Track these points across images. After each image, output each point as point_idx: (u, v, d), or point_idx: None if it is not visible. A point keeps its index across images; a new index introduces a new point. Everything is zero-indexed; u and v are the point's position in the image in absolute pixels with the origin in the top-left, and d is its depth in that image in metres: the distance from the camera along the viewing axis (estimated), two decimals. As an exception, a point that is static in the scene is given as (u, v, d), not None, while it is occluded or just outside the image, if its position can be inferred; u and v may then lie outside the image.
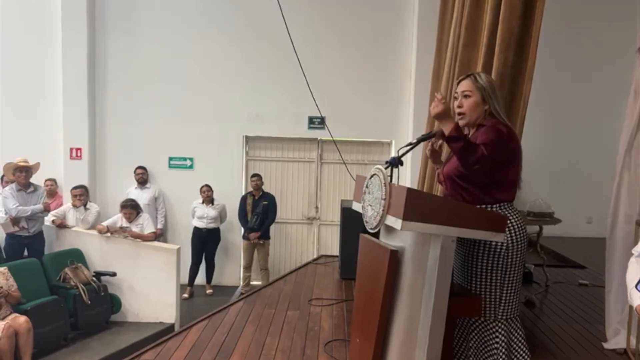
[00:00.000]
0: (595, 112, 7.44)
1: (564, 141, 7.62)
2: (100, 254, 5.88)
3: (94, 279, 5.60)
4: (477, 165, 2.17)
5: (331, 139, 6.23)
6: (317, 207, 7.83)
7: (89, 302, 5.33)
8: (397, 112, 7.45)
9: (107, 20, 7.42)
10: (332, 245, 7.60)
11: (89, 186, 6.82)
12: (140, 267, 5.83)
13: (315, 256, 6.71)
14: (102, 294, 5.55)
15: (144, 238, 5.90)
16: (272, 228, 7.35)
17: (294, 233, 7.88)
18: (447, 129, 2.19)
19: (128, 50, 7.47)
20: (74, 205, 6.18)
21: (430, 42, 4.63)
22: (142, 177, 7.33)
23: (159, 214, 7.40)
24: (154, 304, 5.80)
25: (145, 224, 6.00)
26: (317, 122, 7.44)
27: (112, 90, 7.51)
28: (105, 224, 5.95)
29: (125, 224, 5.97)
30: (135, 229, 5.94)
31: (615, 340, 3.42)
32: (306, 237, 7.91)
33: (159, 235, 7.25)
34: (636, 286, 1.35)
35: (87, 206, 6.24)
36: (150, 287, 5.78)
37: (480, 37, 3.31)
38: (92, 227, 6.09)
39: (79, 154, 7.39)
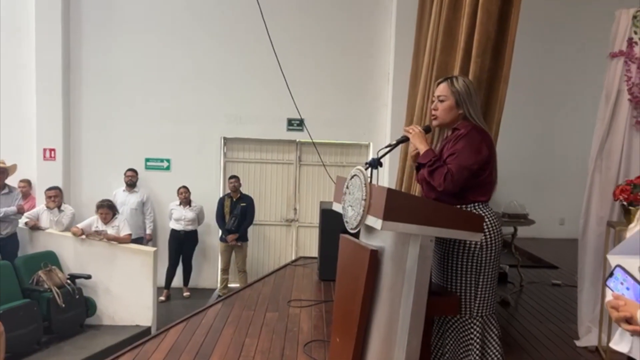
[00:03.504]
0: (570, 116, 7.62)
1: (538, 144, 7.79)
2: (75, 256, 5.79)
3: (69, 281, 5.50)
4: (442, 187, 2.30)
5: (310, 140, 6.26)
6: (295, 209, 7.84)
7: (63, 306, 5.24)
8: (375, 114, 7.51)
9: (83, 20, 7.31)
10: (310, 247, 7.61)
11: (63, 187, 6.70)
12: (116, 270, 5.75)
13: (293, 258, 6.71)
14: (77, 297, 5.46)
15: (120, 240, 5.83)
16: (250, 230, 7.33)
17: (272, 235, 7.87)
18: (420, 154, 2.43)
19: (104, 51, 7.37)
20: (48, 207, 6.07)
21: (408, 45, 4.69)
22: (132, 180, 7.18)
23: (147, 219, 7.26)
24: (130, 306, 5.72)
25: (122, 226, 5.93)
26: (296, 124, 7.45)
27: (88, 90, 7.40)
28: (80, 226, 5.85)
29: (101, 225, 5.88)
30: (111, 230, 5.85)
31: (587, 338, 3.51)
32: (285, 239, 7.91)
33: (149, 240, 7.17)
34: (606, 282, 1.39)
35: (62, 208, 6.13)
36: (126, 290, 5.71)
37: (457, 41, 3.36)
38: (67, 229, 5.98)
39: (52, 155, 7.25)
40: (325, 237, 4.87)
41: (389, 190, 1.98)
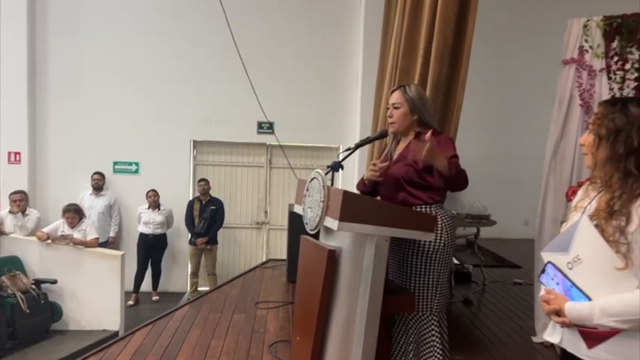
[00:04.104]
0: (530, 119, 7.81)
1: (503, 146, 7.97)
2: (40, 261, 5.70)
3: (33, 286, 5.42)
4: (466, 183, 2.40)
5: (281, 144, 6.32)
6: (266, 212, 7.87)
7: (28, 311, 5.16)
8: (345, 117, 7.58)
9: (49, 21, 7.21)
10: (281, 249, 7.63)
11: (28, 191, 6.59)
12: (82, 274, 5.69)
13: (264, 260, 6.74)
14: (42, 302, 5.39)
15: (87, 244, 5.77)
16: (221, 233, 7.32)
17: (243, 238, 7.88)
18: (444, 167, 2.30)
19: (71, 53, 7.28)
20: (11, 212, 5.97)
21: (376, 49, 4.77)
22: (98, 184, 7.13)
23: (113, 222, 7.23)
24: (97, 311, 5.67)
25: (89, 230, 5.86)
26: (266, 127, 7.48)
27: (54, 93, 7.30)
28: (45, 230, 5.76)
29: (67, 230, 5.81)
30: (77, 235, 5.79)
31: (543, 334, 3.64)
32: (255, 241, 7.92)
33: (111, 243, 7.11)
34: (539, 278, 1.49)
35: (27, 212, 6.03)
36: (93, 294, 5.65)
37: (417, 47, 3.46)
38: (32, 233, 5.89)
39: (17, 159, 7.13)
40: (293, 239, 4.91)
41: (345, 192, 2.05)
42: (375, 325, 2.16)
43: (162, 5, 7.35)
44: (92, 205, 6.94)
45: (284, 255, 6.24)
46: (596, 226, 1.40)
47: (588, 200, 1.54)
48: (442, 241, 2.46)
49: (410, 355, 2.52)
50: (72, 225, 5.83)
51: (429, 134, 2.28)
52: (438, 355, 2.47)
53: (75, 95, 7.32)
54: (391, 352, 2.55)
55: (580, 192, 1.63)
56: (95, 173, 7.15)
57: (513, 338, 3.81)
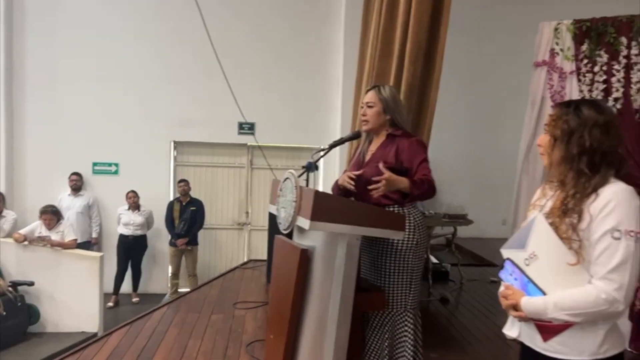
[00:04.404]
0: (506, 119, 7.88)
1: (479, 147, 8.03)
2: (17, 263, 5.63)
3: (10, 289, 5.35)
4: (433, 192, 2.45)
5: (261, 144, 6.33)
6: (247, 213, 7.87)
7: (4, 313, 5.10)
8: (326, 118, 7.61)
9: (26, 22, 7.13)
10: (263, 250, 7.60)
11: (6, 193, 6.52)
12: (60, 276, 5.63)
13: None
14: (19, 304, 5.33)
15: (65, 246, 5.72)
16: (201, 234, 7.31)
17: (224, 239, 7.87)
18: (406, 189, 2.38)
19: (49, 52, 7.21)
20: (-13, 214, 5.91)
21: (356, 50, 4.81)
22: (77, 184, 7.07)
23: (94, 223, 7.18)
24: (75, 313, 5.61)
25: (66, 231, 5.82)
26: (247, 127, 7.49)
27: (32, 94, 7.21)
28: (22, 232, 5.70)
29: (44, 231, 5.75)
30: (55, 236, 5.73)
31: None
32: (236, 242, 7.92)
33: (95, 244, 7.05)
34: (498, 274, 1.54)
35: (3, 213, 5.97)
36: (71, 297, 5.60)
37: (393, 48, 3.51)
38: (9, 235, 5.83)
39: (-6, 160, 7.05)
40: (273, 240, 4.93)
41: (317, 192, 2.09)
42: (347, 322, 2.20)
43: (141, 5, 7.31)
44: (70, 205, 6.89)
45: (266, 256, 6.27)
46: (551, 224, 1.45)
47: (545, 200, 1.59)
48: (416, 240, 2.52)
49: (386, 352, 2.57)
50: (50, 226, 5.78)
51: (381, 164, 2.34)
52: (409, 351, 2.53)
53: (54, 96, 7.25)
54: (367, 349, 2.60)
55: (538, 192, 1.69)
56: (73, 174, 7.09)
57: (487, 335, 3.87)
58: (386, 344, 2.57)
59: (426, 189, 2.41)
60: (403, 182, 2.36)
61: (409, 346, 2.52)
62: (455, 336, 3.89)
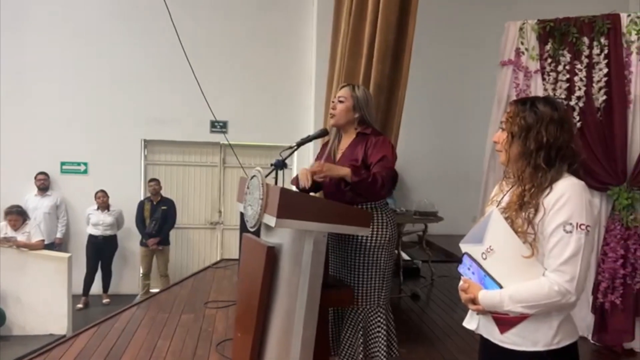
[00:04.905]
0: (474, 117, 7.96)
1: (449, 144, 8.06)
2: (-18, 265, 5.50)
3: (-26, 291, 5.24)
4: (383, 191, 2.44)
5: (234, 143, 6.28)
6: (220, 212, 7.82)
7: (-32, 317, 4.98)
8: (299, 116, 7.61)
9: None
10: (235, 249, 7.59)
11: (-31, 193, 6.35)
12: (27, 278, 5.53)
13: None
14: (-17, 307, 5.21)
15: (32, 247, 5.60)
16: (173, 234, 7.24)
17: (196, 238, 7.81)
18: (347, 177, 2.39)
19: (15, 52, 7.02)
20: (-49, 214, 5.75)
21: (328, 49, 4.83)
22: (44, 184, 6.95)
23: (60, 223, 7.07)
24: (43, 315, 5.51)
25: (33, 232, 5.71)
26: (219, 126, 7.43)
27: (-2, 91, 7.05)
28: (-14, 233, 5.58)
29: (10, 232, 5.62)
30: (21, 237, 5.62)
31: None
32: (209, 242, 7.87)
33: (59, 245, 6.92)
34: (457, 268, 1.57)
35: (-33, 214, 5.82)
36: (38, 298, 5.50)
37: (362, 47, 3.54)
38: (-27, 236, 5.68)
39: (-43, 160, 6.84)
40: (244, 238, 4.92)
41: (282, 189, 2.09)
42: (313, 317, 2.21)
43: (109, 4, 7.20)
44: (37, 206, 6.76)
45: (238, 255, 6.24)
46: (507, 218, 1.48)
47: (501, 195, 1.63)
48: (387, 237, 2.56)
49: (360, 349, 2.59)
50: (15, 227, 5.66)
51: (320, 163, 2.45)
52: (383, 345, 2.57)
53: (20, 95, 7.06)
54: (342, 345, 2.62)
55: (496, 188, 1.72)
56: (40, 173, 6.96)
57: (456, 330, 3.93)
58: (361, 340, 2.60)
59: (366, 178, 2.38)
60: (344, 169, 2.42)
61: (382, 341, 2.57)
62: (425, 331, 3.94)
